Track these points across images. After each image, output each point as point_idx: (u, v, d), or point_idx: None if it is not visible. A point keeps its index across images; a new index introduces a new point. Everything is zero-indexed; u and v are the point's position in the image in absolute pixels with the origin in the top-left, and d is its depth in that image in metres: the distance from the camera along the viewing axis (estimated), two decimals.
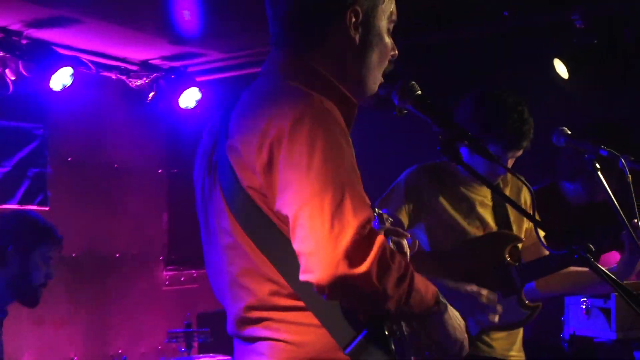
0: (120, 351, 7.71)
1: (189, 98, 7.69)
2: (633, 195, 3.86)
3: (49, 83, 6.63)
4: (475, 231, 4.42)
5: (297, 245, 2.29)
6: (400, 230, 2.83)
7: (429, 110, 2.78)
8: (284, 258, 2.40)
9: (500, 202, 4.52)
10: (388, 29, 2.75)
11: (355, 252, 2.22)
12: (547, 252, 4.31)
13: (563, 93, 6.93)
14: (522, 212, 2.91)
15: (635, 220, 3.94)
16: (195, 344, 6.84)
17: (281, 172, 2.34)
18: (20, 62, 6.61)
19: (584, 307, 4.25)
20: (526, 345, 4.52)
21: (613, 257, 5.33)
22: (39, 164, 7.25)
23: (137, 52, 7.41)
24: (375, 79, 2.74)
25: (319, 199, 2.26)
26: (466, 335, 2.72)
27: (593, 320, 4.19)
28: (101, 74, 7.45)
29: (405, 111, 2.81)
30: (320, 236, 2.23)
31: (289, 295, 2.43)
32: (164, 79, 7.64)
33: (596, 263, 2.68)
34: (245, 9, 6.27)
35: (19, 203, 7.05)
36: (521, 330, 4.54)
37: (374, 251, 2.24)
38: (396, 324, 2.48)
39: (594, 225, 4.55)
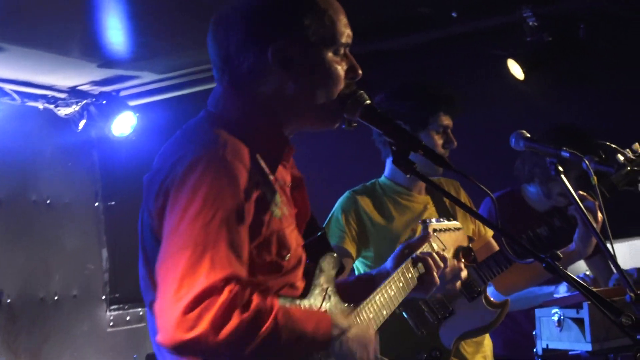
0: None
1: (123, 124, 7.62)
2: (599, 196, 3.90)
3: None
4: None
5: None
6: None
7: (379, 120, 2.77)
8: None
9: (443, 207, 4.60)
10: (338, 55, 2.72)
11: (192, 315, 2.25)
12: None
13: (520, 95, 7.00)
14: (471, 212, 2.94)
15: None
16: None
17: (164, 220, 2.42)
18: None
19: (555, 318, 4.28)
20: None
21: None
22: None
23: (64, 79, 7.34)
24: (329, 109, 2.73)
25: (177, 257, 2.31)
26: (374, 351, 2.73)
27: (566, 332, 4.21)
28: (27, 104, 7.38)
29: (355, 123, 2.80)
30: (167, 296, 2.29)
31: None
32: (94, 105, 7.58)
33: (565, 270, 2.70)
34: (177, 27, 6.27)
35: None
36: (491, 345, 4.60)
37: (212, 312, 2.25)
38: None
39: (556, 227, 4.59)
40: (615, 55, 6.88)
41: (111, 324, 8.22)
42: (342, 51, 2.74)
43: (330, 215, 4.54)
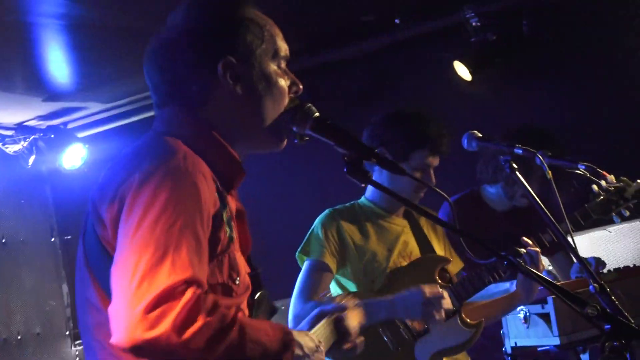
0: None
1: (74, 156, 7.58)
2: (556, 190, 3.92)
3: None
4: (401, 261, 4.52)
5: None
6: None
7: (330, 131, 2.77)
8: None
9: (419, 230, 4.65)
10: (280, 69, 2.75)
11: (153, 314, 2.20)
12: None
13: (469, 96, 7.03)
14: (444, 224, 2.95)
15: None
16: None
17: (120, 226, 2.36)
18: None
19: (521, 315, 4.29)
20: None
21: None
22: None
23: (9, 115, 7.30)
24: (277, 124, 2.73)
25: (136, 258, 2.26)
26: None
27: (533, 329, 4.23)
28: None
29: (307, 137, 2.79)
30: (125, 296, 2.23)
31: None
32: (43, 139, 7.53)
33: (527, 267, 2.72)
34: (120, 55, 6.25)
35: None
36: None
37: (175, 312, 2.21)
38: None
39: (521, 230, 4.62)
40: (561, 47, 6.93)
41: (77, 359, 8.15)
42: (283, 65, 2.77)
43: (309, 232, 4.55)
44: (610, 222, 6.53)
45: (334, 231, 4.49)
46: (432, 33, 7.02)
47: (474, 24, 6.70)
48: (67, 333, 8.13)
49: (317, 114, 2.76)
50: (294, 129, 2.76)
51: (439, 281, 4.46)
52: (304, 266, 4.47)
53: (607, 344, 2.51)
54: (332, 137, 2.76)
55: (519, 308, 4.26)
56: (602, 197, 4.70)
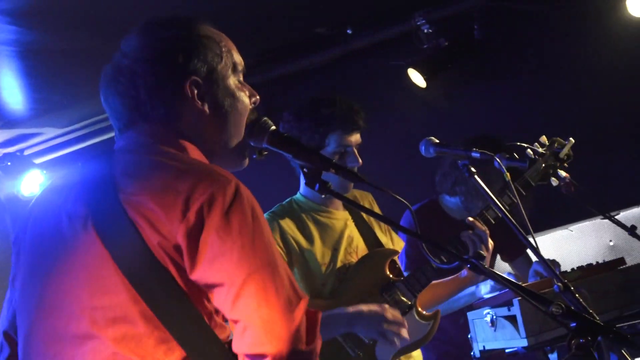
0: None
1: (32, 183, 7.50)
2: (515, 192, 3.93)
3: None
4: (349, 257, 4.50)
5: (241, 315, 2.35)
6: None
7: (286, 144, 2.79)
8: (183, 324, 2.39)
9: (361, 221, 4.61)
10: (239, 82, 2.76)
11: (305, 329, 2.37)
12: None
13: (424, 103, 7.05)
14: (391, 223, 2.95)
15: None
16: None
17: (215, 240, 2.35)
18: None
19: (488, 319, 4.29)
20: None
21: None
22: None
23: None
24: (240, 144, 2.75)
25: (270, 272, 2.36)
26: None
27: (501, 331, 4.22)
28: None
29: (266, 152, 2.81)
30: (277, 309, 2.34)
31: None
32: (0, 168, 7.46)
33: (491, 269, 2.72)
34: (73, 79, 6.22)
35: None
36: (421, 357, 4.63)
37: (317, 329, 2.41)
38: None
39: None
40: (513, 50, 6.98)
41: None
42: (241, 78, 2.78)
43: None
44: (571, 220, 6.60)
45: (279, 238, 4.39)
46: (385, 42, 7.04)
47: (425, 30, 6.74)
48: None
49: (273, 127, 2.78)
50: (252, 143, 2.77)
51: (390, 275, 4.43)
52: None
53: (573, 341, 2.53)
54: (289, 150, 2.77)
55: (485, 311, 4.26)
56: (538, 162, 4.68)
